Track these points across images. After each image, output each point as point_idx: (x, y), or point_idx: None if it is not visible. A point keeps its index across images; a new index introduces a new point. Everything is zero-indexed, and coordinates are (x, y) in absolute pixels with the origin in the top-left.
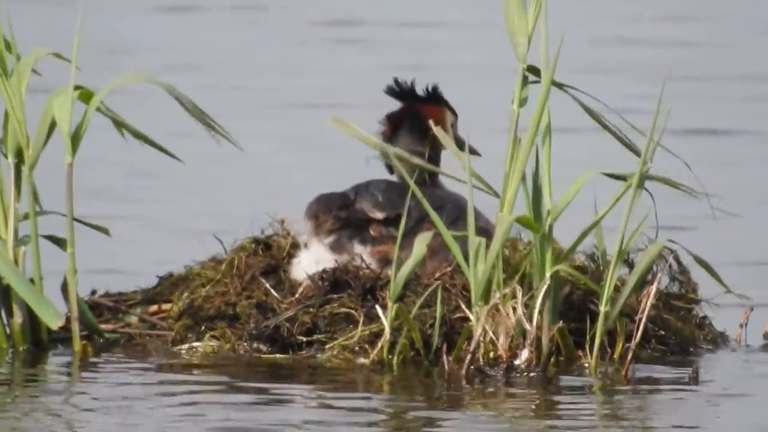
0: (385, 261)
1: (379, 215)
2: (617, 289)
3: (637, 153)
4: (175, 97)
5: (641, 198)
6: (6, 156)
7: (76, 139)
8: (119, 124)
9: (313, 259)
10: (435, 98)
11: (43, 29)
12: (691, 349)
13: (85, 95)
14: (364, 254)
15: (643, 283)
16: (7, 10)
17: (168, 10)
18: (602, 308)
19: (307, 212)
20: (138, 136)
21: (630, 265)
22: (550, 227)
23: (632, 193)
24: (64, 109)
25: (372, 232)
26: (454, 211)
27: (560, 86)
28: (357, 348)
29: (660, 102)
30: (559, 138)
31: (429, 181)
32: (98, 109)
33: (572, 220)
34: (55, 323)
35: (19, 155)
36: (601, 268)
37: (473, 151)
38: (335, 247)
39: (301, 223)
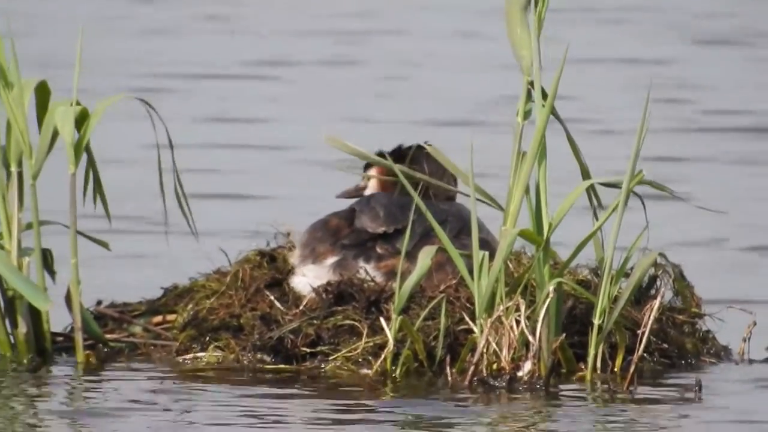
0: (391, 274)
1: (379, 230)
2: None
3: (587, 175)
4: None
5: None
6: (9, 166)
7: (78, 149)
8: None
9: (312, 276)
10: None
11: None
12: (694, 363)
13: (83, 114)
14: (369, 269)
15: (646, 298)
16: (10, 27)
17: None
18: (595, 321)
19: (302, 244)
20: (100, 192)
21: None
22: (548, 240)
23: (621, 203)
24: (66, 120)
25: (378, 250)
26: (458, 223)
27: (557, 117)
28: (360, 359)
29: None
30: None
31: (434, 198)
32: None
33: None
34: (44, 306)
35: (21, 165)
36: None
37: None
38: (339, 267)
39: (295, 251)
